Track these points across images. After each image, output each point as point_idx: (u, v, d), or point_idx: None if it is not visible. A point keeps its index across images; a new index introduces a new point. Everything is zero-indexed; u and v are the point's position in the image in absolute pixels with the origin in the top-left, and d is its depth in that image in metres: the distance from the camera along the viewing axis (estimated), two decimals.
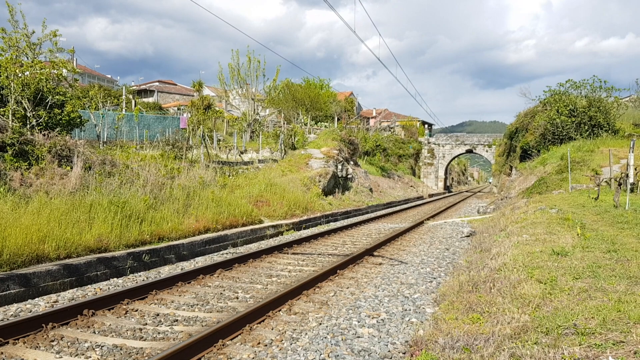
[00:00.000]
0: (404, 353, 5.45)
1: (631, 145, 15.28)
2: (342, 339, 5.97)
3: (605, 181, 19.25)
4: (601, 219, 11.97)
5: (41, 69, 15.57)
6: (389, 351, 5.61)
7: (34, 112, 14.57)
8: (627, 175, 15.43)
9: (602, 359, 3.82)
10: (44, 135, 13.68)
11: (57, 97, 15.35)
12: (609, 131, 31.23)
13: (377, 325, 6.58)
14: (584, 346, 4.10)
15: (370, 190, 33.97)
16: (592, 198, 16.29)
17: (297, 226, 17.86)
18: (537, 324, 4.82)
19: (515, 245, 9.35)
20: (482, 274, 7.73)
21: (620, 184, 14.50)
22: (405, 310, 7.35)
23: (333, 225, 19.72)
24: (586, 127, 31.32)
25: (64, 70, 16.69)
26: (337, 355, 5.44)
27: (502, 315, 5.42)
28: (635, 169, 16.49)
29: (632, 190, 15.99)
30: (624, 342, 4.07)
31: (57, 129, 14.75)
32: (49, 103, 15.01)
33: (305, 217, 19.11)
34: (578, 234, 9.37)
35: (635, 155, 17.40)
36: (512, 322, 5.16)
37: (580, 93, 33.82)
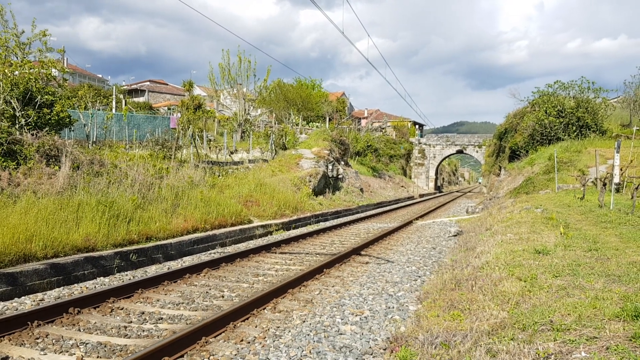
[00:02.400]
0: (385, 349, 5.53)
1: (616, 146, 15.48)
2: (324, 336, 6.05)
3: (592, 181, 19.46)
4: (585, 218, 12.12)
5: (30, 68, 15.55)
6: (370, 347, 5.69)
7: (22, 112, 14.54)
8: (612, 176, 15.63)
9: (575, 354, 3.91)
10: (32, 135, 13.66)
11: (46, 96, 15.31)
12: (597, 132, 31.51)
13: (360, 322, 6.67)
14: (559, 342, 4.20)
15: (361, 190, 34.09)
16: (578, 198, 16.47)
17: (287, 226, 17.92)
18: (514, 321, 4.92)
19: (498, 244, 9.48)
20: (465, 272, 7.84)
21: (605, 184, 14.68)
22: (389, 307, 7.44)
23: (323, 225, 19.79)
24: (574, 128, 31.58)
25: (54, 70, 16.67)
26: (319, 352, 5.52)
27: (482, 312, 5.52)
28: (621, 169, 16.69)
29: (617, 191, 16.19)
30: (597, 337, 4.17)
31: (46, 129, 14.72)
32: (38, 103, 14.98)
33: (295, 217, 19.16)
34: (561, 233, 9.51)
35: (622, 155, 17.61)
36: (491, 319, 5.26)
37: (569, 94, 34.12)
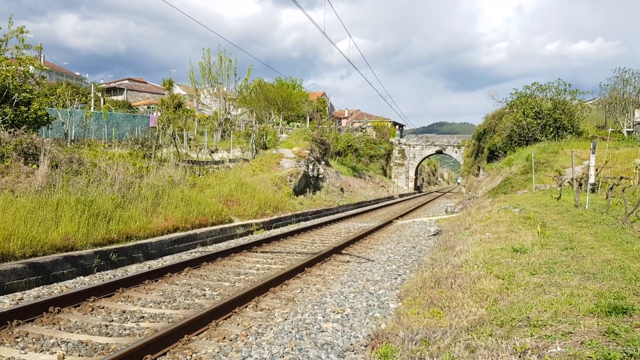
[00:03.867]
0: (366, 346, 5.60)
1: (592, 147, 15.78)
2: (306, 334, 6.10)
3: (568, 181, 19.79)
4: (562, 218, 12.34)
5: (7, 65, 15.34)
6: (351, 344, 5.76)
7: None
8: (588, 176, 15.92)
9: (551, 349, 4.01)
10: (9, 133, 13.49)
11: (23, 94, 15.13)
12: (573, 133, 32.07)
13: (342, 320, 6.74)
14: (535, 337, 4.30)
15: (342, 190, 34.20)
16: (555, 198, 16.73)
17: (268, 225, 17.93)
18: (492, 317, 5.02)
19: (477, 243, 9.62)
20: (445, 271, 7.95)
21: (581, 185, 14.96)
22: (370, 305, 7.52)
23: (303, 224, 19.83)
24: (551, 129, 32.08)
25: (31, 68, 16.46)
26: (301, 349, 5.57)
27: (461, 309, 5.62)
28: (596, 170, 17.01)
29: (592, 191, 16.49)
30: (572, 333, 4.28)
31: (24, 127, 14.55)
32: (15, 100, 14.79)
33: (275, 217, 19.18)
34: (538, 232, 9.67)
35: (597, 156, 17.95)
36: (470, 316, 5.35)
37: (546, 95, 34.67)
